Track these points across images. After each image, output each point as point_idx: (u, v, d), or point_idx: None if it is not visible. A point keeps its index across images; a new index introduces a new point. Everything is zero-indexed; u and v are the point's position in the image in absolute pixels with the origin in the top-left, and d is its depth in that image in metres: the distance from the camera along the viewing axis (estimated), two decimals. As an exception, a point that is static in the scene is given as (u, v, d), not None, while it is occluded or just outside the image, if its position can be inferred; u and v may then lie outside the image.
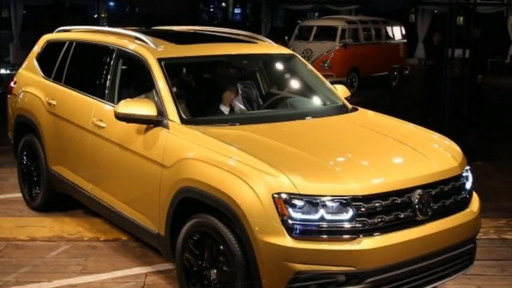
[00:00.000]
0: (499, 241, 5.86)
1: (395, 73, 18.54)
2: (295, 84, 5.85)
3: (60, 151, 5.84)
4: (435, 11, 24.01)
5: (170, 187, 4.27)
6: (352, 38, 16.95)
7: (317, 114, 5.10)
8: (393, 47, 18.60)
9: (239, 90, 5.52)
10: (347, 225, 3.62)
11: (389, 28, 18.61)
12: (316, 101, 5.52)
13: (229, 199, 3.77)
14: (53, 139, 5.90)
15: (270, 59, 6.04)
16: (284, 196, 3.61)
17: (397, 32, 18.92)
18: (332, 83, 5.75)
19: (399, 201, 3.80)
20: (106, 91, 5.27)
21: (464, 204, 4.22)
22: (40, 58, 6.52)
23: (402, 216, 3.79)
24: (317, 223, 3.60)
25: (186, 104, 4.88)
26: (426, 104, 12.45)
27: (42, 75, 6.33)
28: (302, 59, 5.90)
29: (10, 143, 6.89)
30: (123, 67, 5.32)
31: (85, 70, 5.90)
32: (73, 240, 5.65)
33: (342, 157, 4.15)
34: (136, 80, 5.33)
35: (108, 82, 5.29)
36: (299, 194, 3.62)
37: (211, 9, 74.19)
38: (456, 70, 9.81)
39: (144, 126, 4.63)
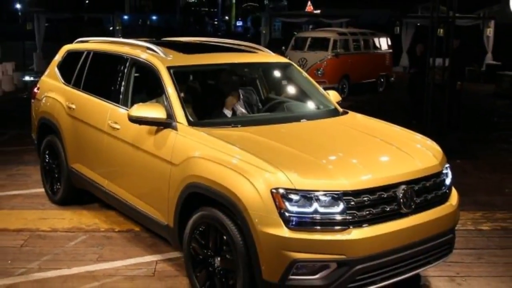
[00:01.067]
0: (475, 232, 5.86)
1: (382, 80, 18.52)
2: (291, 89, 5.84)
3: (79, 150, 5.84)
4: (418, 24, 24.00)
5: (178, 183, 4.27)
6: (343, 48, 16.93)
7: (311, 117, 5.10)
8: (380, 56, 18.59)
9: (241, 95, 5.52)
10: (338, 217, 3.62)
11: (376, 39, 18.59)
12: (311, 105, 5.52)
13: (232, 194, 3.77)
14: (72, 139, 5.90)
15: (268, 67, 6.04)
16: (281, 191, 3.61)
17: (383, 43, 18.90)
18: (325, 89, 5.75)
19: (385, 196, 3.80)
20: (120, 96, 5.28)
21: (444, 198, 4.22)
22: (61, 66, 6.53)
23: (388, 209, 3.80)
24: (311, 215, 3.60)
25: (193, 108, 4.88)
26: (410, 108, 12.44)
27: (63, 81, 6.33)
28: (298, 67, 5.90)
29: (33, 143, 6.90)
30: (136, 74, 5.32)
31: (102, 77, 5.90)
32: (90, 231, 5.65)
33: (334, 156, 4.15)
34: (147, 86, 5.33)
35: (122, 88, 5.30)
36: (295, 189, 3.62)
37: (215, 22, 74.31)
38: (437, 77, 9.81)
39: (154, 128, 4.63)
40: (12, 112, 13.01)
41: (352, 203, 3.66)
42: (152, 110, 4.51)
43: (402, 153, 4.24)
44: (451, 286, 4.64)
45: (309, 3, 45.61)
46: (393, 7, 34.37)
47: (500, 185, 7.68)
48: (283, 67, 5.90)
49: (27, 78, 18.87)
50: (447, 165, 4.41)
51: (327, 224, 3.61)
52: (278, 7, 59.91)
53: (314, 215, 3.60)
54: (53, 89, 6.39)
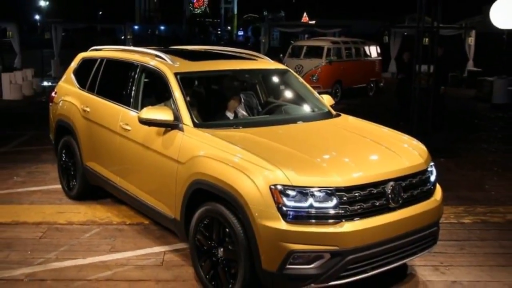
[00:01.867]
0: (458, 225, 5.86)
1: (372, 85, 18.49)
2: (288, 94, 5.84)
3: (93, 149, 5.84)
4: (405, 33, 23.98)
5: (184, 180, 4.27)
6: (336, 56, 16.91)
7: (307, 119, 5.10)
8: (370, 63, 18.57)
9: (242, 99, 5.52)
10: (331, 212, 3.63)
11: (366, 48, 18.57)
12: (306, 108, 5.51)
13: (234, 190, 3.77)
14: (87, 139, 5.90)
15: (267, 73, 6.04)
16: (279, 187, 3.61)
17: (373, 51, 18.89)
18: (319, 93, 5.74)
19: (375, 192, 3.80)
20: (131, 99, 5.28)
21: (429, 194, 4.22)
22: (76, 72, 6.52)
23: (377, 204, 3.80)
24: (307, 209, 3.61)
25: (198, 110, 4.88)
26: (398, 111, 12.43)
27: (78, 86, 6.33)
28: (295, 73, 5.90)
29: (51, 143, 6.90)
30: (145, 80, 5.32)
31: (114, 82, 5.89)
32: (103, 224, 5.65)
33: (328, 154, 4.15)
34: (156, 91, 5.33)
35: (133, 92, 5.29)
36: (292, 186, 3.62)
37: (219, 32, 74.29)
38: (422, 82, 9.78)
39: (163, 129, 4.63)
40: (32, 115, 13.01)
41: (345, 198, 3.67)
42: (160, 113, 4.51)
43: (390, 152, 4.24)
44: (435, 275, 4.63)
45: (305, 14, 45.71)
46: (382, 17, 34.38)
47: (480, 181, 7.68)
48: (281, 73, 5.90)
49: (45, 83, 18.85)
50: (432, 163, 4.41)
51: (322, 217, 3.62)
52: (276, 18, 59.87)
53: (309, 210, 3.61)
54: (69, 94, 6.39)
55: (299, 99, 5.64)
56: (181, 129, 4.49)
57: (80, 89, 6.26)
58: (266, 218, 3.61)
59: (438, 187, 4.42)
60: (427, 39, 10.38)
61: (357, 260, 3.68)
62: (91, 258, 4.82)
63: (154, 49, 5.65)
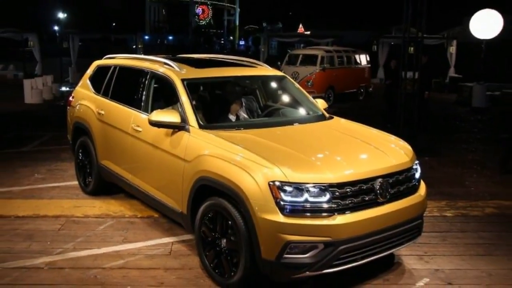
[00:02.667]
0: (440, 218, 5.86)
1: (362, 90, 18.49)
2: (285, 98, 5.84)
3: (107, 149, 5.84)
4: (392, 43, 23.98)
5: (190, 176, 4.27)
6: (329, 63, 16.90)
7: (302, 121, 5.10)
8: (360, 70, 18.57)
9: (243, 103, 5.51)
10: (325, 206, 3.63)
11: (357, 56, 18.57)
12: (302, 111, 5.51)
13: (236, 186, 3.78)
14: (101, 140, 5.90)
15: (266, 79, 6.03)
16: (277, 183, 3.62)
17: (363, 59, 18.88)
18: (314, 97, 5.74)
19: (364, 187, 3.81)
20: (142, 103, 5.28)
21: (414, 189, 4.23)
22: (92, 79, 6.52)
23: (366, 198, 3.80)
24: (302, 204, 3.61)
25: (203, 113, 4.87)
26: (385, 114, 12.43)
27: (93, 91, 6.33)
28: (291, 80, 5.90)
29: (69, 143, 6.90)
30: (155, 85, 5.33)
31: (126, 87, 5.89)
32: (117, 217, 5.65)
33: (321, 154, 4.14)
34: (164, 95, 5.32)
35: (143, 96, 5.30)
36: (289, 182, 3.62)
37: (222, 41, 74.25)
38: (408, 87, 9.79)
39: (170, 130, 4.64)
40: (51, 117, 13.00)
41: (337, 193, 3.67)
42: (168, 115, 4.51)
43: (378, 151, 4.24)
44: (420, 264, 4.64)
45: (300, 25, 45.71)
46: (371, 28, 34.39)
47: (461, 178, 7.68)
48: (278, 79, 5.90)
49: (63, 88, 18.82)
50: (417, 162, 4.42)
51: (316, 211, 3.62)
52: (274, 29, 59.83)
53: (304, 204, 3.61)
54: (85, 98, 6.39)
55: (295, 103, 5.64)
56: (188, 130, 4.49)
57: (95, 94, 6.26)
58: (265, 211, 3.61)
59: (422, 183, 4.42)
60: (412, 48, 10.38)
61: (349, 250, 3.69)
62: (106, 248, 4.82)
63: (163, 57, 5.65)
